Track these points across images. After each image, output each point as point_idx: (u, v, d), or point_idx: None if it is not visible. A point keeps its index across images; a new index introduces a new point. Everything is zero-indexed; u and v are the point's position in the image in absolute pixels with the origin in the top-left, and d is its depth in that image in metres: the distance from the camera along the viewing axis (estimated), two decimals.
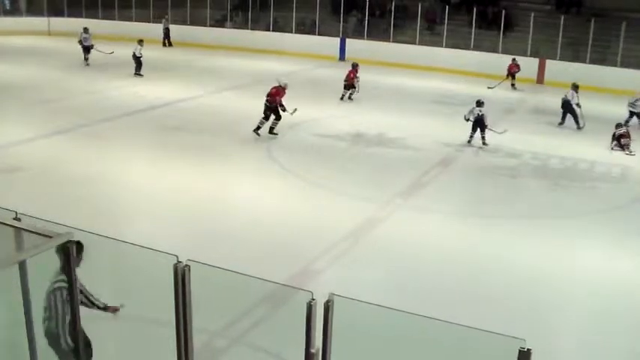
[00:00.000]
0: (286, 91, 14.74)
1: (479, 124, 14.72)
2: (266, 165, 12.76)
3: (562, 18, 24.57)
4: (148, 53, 22.97)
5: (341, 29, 28.98)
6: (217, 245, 8.64)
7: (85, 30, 23.66)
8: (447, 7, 26.98)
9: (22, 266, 3.92)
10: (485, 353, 3.92)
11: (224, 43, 30.16)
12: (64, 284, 4.36)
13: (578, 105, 16.94)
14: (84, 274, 3.98)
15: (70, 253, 3.72)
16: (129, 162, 12.54)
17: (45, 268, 4.03)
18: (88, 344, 4.58)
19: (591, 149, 15.07)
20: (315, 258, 8.58)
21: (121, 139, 14.23)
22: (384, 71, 25.43)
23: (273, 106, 14.49)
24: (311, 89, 21.70)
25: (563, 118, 17.26)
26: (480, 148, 14.68)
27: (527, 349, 3.32)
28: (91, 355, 4.54)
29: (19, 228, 3.77)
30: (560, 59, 24.38)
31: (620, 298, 8.05)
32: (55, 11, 32.99)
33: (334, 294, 3.72)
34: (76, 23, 31.96)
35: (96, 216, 9.17)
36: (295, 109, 14.73)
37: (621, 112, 17.49)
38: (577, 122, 17.00)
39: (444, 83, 23.31)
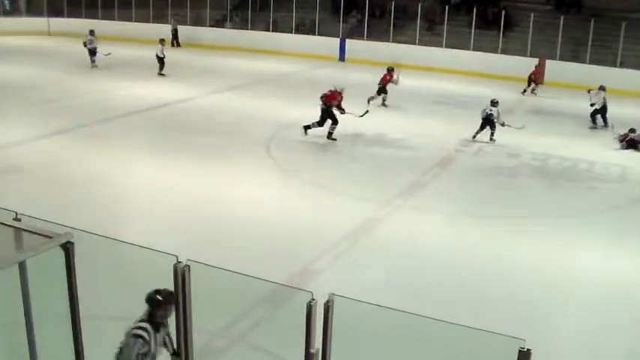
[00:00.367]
0: (343, 96, 14.74)
1: (487, 122, 15.06)
2: (266, 165, 12.76)
3: (562, 18, 24.55)
4: (149, 53, 23.00)
5: (341, 29, 28.97)
6: (217, 245, 8.64)
7: (91, 32, 23.39)
8: (447, 7, 26.96)
9: (22, 266, 3.92)
10: (485, 353, 3.93)
11: (224, 44, 30.16)
12: (143, 332, 4.37)
13: (591, 105, 17.04)
14: (84, 274, 3.97)
15: (70, 254, 3.72)
16: (129, 162, 12.54)
17: (45, 268, 4.03)
18: None
19: (591, 149, 15.06)
20: (315, 258, 8.58)
21: (121, 139, 14.23)
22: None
23: (329, 109, 14.41)
24: (311, 89, 21.65)
25: (595, 120, 17.19)
26: (480, 148, 14.68)
27: (527, 349, 3.32)
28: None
29: (19, 228, 3.77)
30: (559, 59, 24.38)
31: (620, 298, 8.04)
32: (55, 11, 32.98)
33: (334, 294, 3.72)
34: (76, 23, 32.07)
35: (96, 216, 9.17)
36: (366, 111, 14.81)
37: (621, 112, 17.49)
38: (605, 122, 17.01)
39: (443, 83, 23.29)
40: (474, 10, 26.44)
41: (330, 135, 14.59)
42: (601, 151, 14.90)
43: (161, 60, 22.25)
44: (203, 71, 24.02)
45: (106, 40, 26.30)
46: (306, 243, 9.08)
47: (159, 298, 4.37)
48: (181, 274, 3.87)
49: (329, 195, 11.28)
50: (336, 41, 28.75)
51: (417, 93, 21.62)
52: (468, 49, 26.03)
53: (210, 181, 11.70)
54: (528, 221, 10.53)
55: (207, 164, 12.65)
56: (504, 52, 25.42)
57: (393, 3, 27.90)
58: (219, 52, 29.21)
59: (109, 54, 23.22)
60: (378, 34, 28.28)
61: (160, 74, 22.25)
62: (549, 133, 16.41)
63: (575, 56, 24.14)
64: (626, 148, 15.09)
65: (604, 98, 16.85)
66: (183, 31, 30.82)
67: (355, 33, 28.95)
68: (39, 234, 3.64)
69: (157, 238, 7.99)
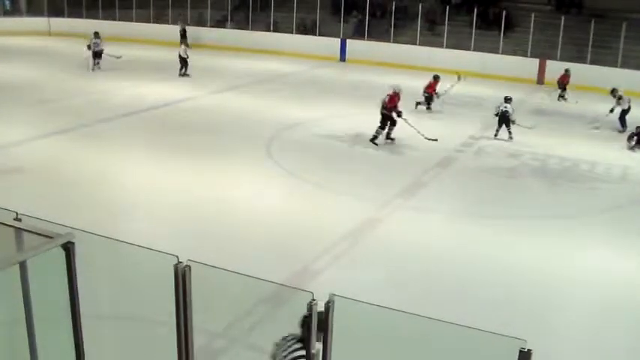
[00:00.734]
0: (400, 95, 14.76)
1: (503, 119, 15.30)
2: (266, 165, 12.76)
3: (562, 18, 24.55)
4: (150, 53, 23.00)
5: (341, 30, 28.97)
6: (217, 245, 8.64)
7: (96, 35, 22.79)
8: (448, 7, 26.96)
9: (23, 267, 3.92)
10: (486, 354, 3.92)
11: (224, 44, 30.16)
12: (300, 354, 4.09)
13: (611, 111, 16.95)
14: (84, 274, 3.97)
15: (71, 254, 3.72)
16: (129, 162, 12.55)
17: (45, 268, 4.03)
18: None
19: (592, 149, 15.07)
20: (315, 258, 8.58)
21: (121, 139, 14.24)
22: (385, 72, 25.41)
23: (389, 114, 14.44)
24: (311, 89, 21.72)
25: (624, 123, 17.02)
26: (481, 148, 14.70)
27: (528, 350, 3.32)
28: None
29: (20, 228, 3.76)
30: (560, 60, 24.37)
31: (621, 298, 8.04)
32: (56, 11, 32.98)
33: (335, 294, 3.72)
34: (77, 24, 32.08)
35: (96, 216, 9.17)
36: (436, 139, 14.57)
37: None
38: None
39: (444, 84, 23.24)
40: (475, 10, 26.44)
41: (388, 135, 14.66)
42: (602, 152, 14.90)
43: (184, 60, 22.23)
44: (203, 71, 23.99)
45: (106, 40, 26.22)
46: (306, 243, 9.09)
47: None
48: (182, 275, 3.87)
49: (329, 195, 11.29)
50: (337, 41, 28.75)
51: (417, 93, 21.58)
52: (469, 49, 26.02)
53: (210, 181, 11.71)
54: (528, 221, 10.54)
55: (208, 164, 12.66)
56: (505, 52, 25.42)
57: (394, 3, 27.90)
58: (220, 53, 29.21)
59: (120, 57, 22.86)
60: (378, 34, 28.29)
61: (184, 74, 22.25)
62: (550, 133, 16.41)
63: (576, 56, 24.13)
64: (637, 143, 15.15)
65: (629, 100, 16.77)
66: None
67: (356, 33, 28.95)
68: (39, 234, 3.63)
69: (157, 238, 8.01)
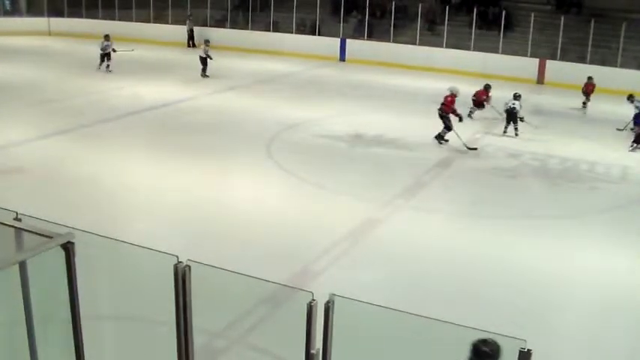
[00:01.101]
0: (456, 97, 14.75)
1: (511, 116, 15.52)
2: (266, 165, 12.76)
3: (562, 18, 24.56)
4: (150, 53, 22.99)
5: (341, 30, 28.97)
6: (217, 245, 8.64)
7: (106, 37, 22.40)
8: (448, 7, 26.97)
9: (23, 266, 3.91)
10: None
11: (224, 44, 30.14)
12: None
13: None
14: (84, 274, 3.97)
15: (71, 254, 3.72)
16: (129, 162, 12.54)
17: (45, 268, 4.03)
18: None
19: (592, 149, 15.06)
20: (315, 258, 8.58)
21: (121, 139, 14.23)
22: (385, 71, 25.44)
23: (447, 115, 14.45)
24: (311, 89, 21.72)
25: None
26: (481, 148, 14.70)
27: (528, 350, 3.32)
28: None
29: (20, 228, 3.76)
30: (560, 59, 24.39)
31: (621, 298, 8.04)
32: (56, 11, 32.97)
33: (335, 294, 3.71)
34: (77, 24, 32.10)
35: (96, 216, 9.17)
36: (475, 148, 14.41)
37: (621, 112, 17.50)
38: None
39: (444, 84, 23.23)
40: (475, 10, 26.45)
41: (440, 137, 14.61)
42: (602, 152, 14.90)
43: (205, 61, 22.14)
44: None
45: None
46: (306, 243, 9.09)
47: (486, 350, 3.94)
48: (182, 274, 3.86)
49: (329, 195, 11.28)
50: (337, 41, 28.75)
51: (417, 93, 21.62)
52: (469, 49, 26.03)
53: (210, 181, 11.71)
54: (529, 221, 10.54)
55: (208, 164, 12.66)
56: (505, 52, 25.42)
57: (394, 3, 27.90)
58: (220, 53, 29.16)
59: (132, 50, 22.93)
60: (378, 34, 28.30)
61: (204, 75, 22.20)
62: (550, 133, 16.41)
63: (576, 56, 24.13)
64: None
65: None
66: (184, 31, 30.82)
67: (356, 33, 28.95)
68: (39, 234, 3.63)
69: (157, 238, 8.01)
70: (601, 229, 10.33)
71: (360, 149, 14.41)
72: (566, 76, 23.11)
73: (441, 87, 22.32)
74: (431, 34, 27.60)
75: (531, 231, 10.11)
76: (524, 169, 13.47)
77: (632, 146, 15.18)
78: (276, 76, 22.87)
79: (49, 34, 32.56)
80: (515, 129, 15.70)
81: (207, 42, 22.73)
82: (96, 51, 22.59)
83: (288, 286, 6.69)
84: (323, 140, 14.77)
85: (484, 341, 3.93)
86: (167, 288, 4.19)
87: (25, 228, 3.72)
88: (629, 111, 17.17)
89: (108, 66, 22.19)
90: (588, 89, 20.10)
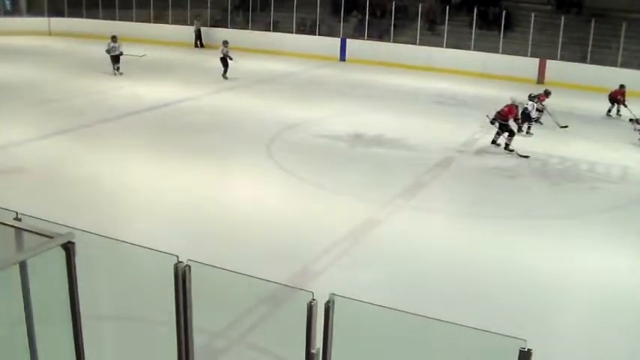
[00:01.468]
0: (519, 109, 14.71)
1: (523, 116, 15.65)
2: (266, 165, 12.76)
3: (562, 18, 24.55)
4: (151, 54, 22.98)
5: (341, 29, 28.98)
6: (217, 245, 8.64)
7: (114, 39, 21.72)
8: (448, 7, 26.97)
9: (23, 266, 3.92)
10: (486, 353, 3.92)
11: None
12: None
13: None
14: (84, 274, 3.97)
15: (71, 253, 3.72)
16: (129, 162, 12.55)
17: (45, 268, 4.03)
18: None
19: (592, 149, 15.06)
20: (315, 258, 8.58)
21: (121, 139, 14.24)
22: (385, 71, 25.44)
23: (505, 123, 14.36)
24: (311, 89, 21.73)
25: None
26: (482, 148, 14.72)
27: (528, 350, 3.32)
28: None
29: (20, 228, 3.76)
30: (560, 59, 24.39)
31: (621, 298, 8.04)
32: (56, 11, 32.98)
33: (335, 294, 3.71)
34: (77, 23, 32.11)
35: (96, 216, 9.18)
36: (526, 157, 14.06)
37: (622, 112, 17.50)
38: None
39: (444, 84, 23.31)
40: (475, 10, 26.45)
41: (507, 146, 14.41)
42: (602, 152, 14.90)
43: (225, 62, 21.95)
44: (203, 71, 24.02)
45: (106, 40, 26.20)
46: (306, 243, 9.09)
47: None
48: (182, 274, 3.87)
49: (330, 195, 11.29)
50: (337, 41, 28.76)
51: (417, 93, 21.63)
52: (469, 49, 26.03)
53: (210, 181, 11.71)
54: (529, 221, 10.54)
55: (208, 164, 12.66)
56: (505, 52, 25.42)
57: (394, 3, 27.91)
58: (220, 52, 29.23)
59: (143, 55, 22.60)
60: (378, 34, 28.31)
61: (225, 77, 22.05)
62: (550, 134, 16.41)
63: (576, 56, 24.14)
64: None
65: None
66: (184, 31, 30.84)
67: (356, 33, 28.96)
68: (39, 234, 3.63)
69: (157, 238, 8.01)
70: (601, 229, 10.33)
71: (360, 149, 14.41)
72: (566, 76, 23.12)
73: (441, 87, 22.49)
74: (431, 34, 27.60)
75: (531, 231, 10.11)
76: (524, 169, 13.47)
77: None
78: (276, 76, 22.88)
79: (50, 34, 32.57)
80: (528, 128, 15.90)
81: (225, 43, 22.30)
82: (97, 51, 22.57)
83: (289, 286, 6.69)
84: (323, 140, 14.77)
85: None
86: (167, 288, 4.19)
87: (26, 228, 3.73)
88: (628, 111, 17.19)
89: (118, 69, 21.71)
90: (616, 96, 18.70)
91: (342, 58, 28.54)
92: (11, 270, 3.75)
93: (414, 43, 27.23)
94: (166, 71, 23.34)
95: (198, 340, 4.21)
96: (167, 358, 4.51)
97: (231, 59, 21.98)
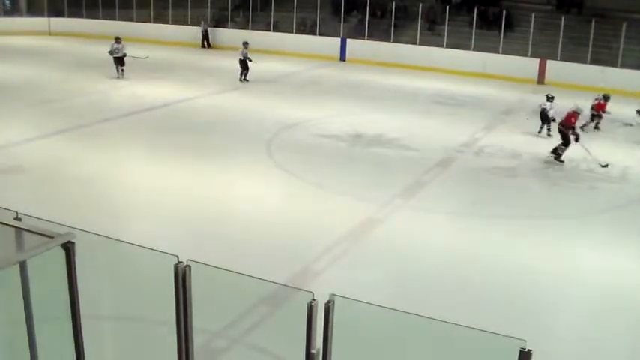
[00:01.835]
0: (579, 115, 14.12)
1: (541, 116, 15.82)
2: (266, 165, 12.76)
3: (562, 18, 24.58)
4: (151, 54, 22.96)
5: (342, 29, 28.99)
6: (217, 245, 8.64)
7: (117, 40, 21.09)
8: (448, 7, 26.99)
9: (23, 266, 3.92)
10: (486, 353, 3.92)
11: (224, 44, 30.20)
12: None
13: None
14: (84, 273, 3.97)
15: (71, 253, 3.72)
16: (129, 162, 12.55)
17: (45, 268, 4.03)
18: None
19: (591, 150, 15.01)
20: (315, 258, 8.58)
21: (121, 139, 14.24)
22: (385, 71, 25.44)
23: (567, 131, 13.87)
24: (311, 89, 21.72)
25: None
26: (481, 148, 14.73)
27: (528, 350, 3.32)
28: None
29: (20, 228, 3.76)
30: (560, 59, 24.41)
31: (620, 298, 8.04)
32: (56, 11, 32.99)
33: (335, 294, 3.71)
34: (77, 23, 32.12)
35: (96, 216, 9.17)
36: (607, 165, 13.54)
37: (622, 112, 17.48)
38: None
39: (444, 84, 23.31)
40: (475, 10, 26.46)
41: (558, 156, 13.84)
42: (601, 152, 14.87)
43: (245, 64, 21.60)
44: (203, 72, 24.03)
45: (105, 39, 26.20)
46: (306, 243, 9.09)
47: None
48: (182, 274, 3.87)
49: (329, 195, 11.28)
50: (337, 41, 28.77)
51: (418, 93, 21.64)
52: (469, 49, 26.04)
53: (210, 181, 11.71)
54: (529, 221, 10.54)
55: (208, 164, 12.65)
56: (505, 52, 25.44)
57: (394, 3, 27.93)
58: (220, 52, 29.25)
59: (146, 57, 22.14)
60: (378, 34, 28.31)
61: (244, 80, 21.76)
62: (541, 135, 16.37)
63: (576, 56, 24.15)
64: None
65: None
66: (185, 31, 30.85)
67: (356, 33, 28.96)
68: (40, 234, 3.63)
69: (157, 238, 8.01)
70: (601, 229, 10.33)
71: (360, 149, 14.41)
72: (566, 76, 23.13)
73: (441, 87, 22.50)
74: (431, 34, 27.62)
75: (531, 231, 10.11)
76: (524, 169, 13.47)
77: None
78: (277, 76, 22.89)
79: (50, 33, 32.58)
80: (548, 129, 15.77)
81: (245, 44, 21.85)
82: (98, 51, 22.54)
83: (289, 286, 6.70)
84: (323, 140, 14.77)
85: None
86: (167, 288, 4.19)
87: (26, 228, 3.73)
88: (628, 110, 17.19)
89: (122, 71, 21.18)
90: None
91: (343, 58, 28.55)
92: (11, 270, 3.75)
93: (414, 43, 27.25)
94: (166, 71, 23.32)
95: (198, 339, 4.21)
96: (167, 358, 4.51)
97: (250, 61, 21.62)
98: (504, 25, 25.80)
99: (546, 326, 7.17)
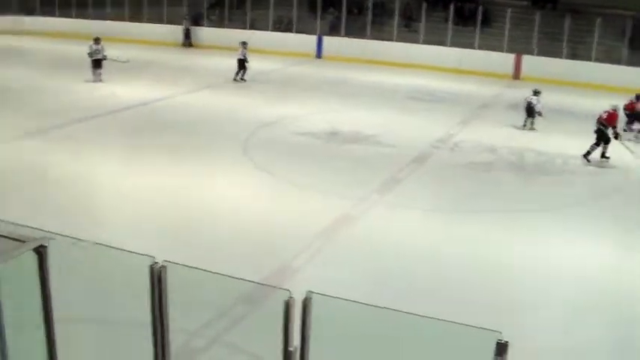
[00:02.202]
0: (618, 114, 14.09)
1: (528, 110, 16.16)
2: (243, 164, 12.70)
3: (538, 14, 24.81)
4: (126, 53, 22.72)
5: (318, 27, 28.94)
6: (195, 245, 8.59)
7: (96, 41, 20.07)
8: (424, 3, 27.09)
9: None
10: (464, 346, 3.94)
11: (200, 42, 30.01)
12: None
13: None
14: (58, 276, 3.91)
15: (44, 258, 3.67)
16: (105, 163, 12.40)
17: (17, 271, 3.97)
18: None
19: (567, 143, 15.18)
20: (292, 256, 8.56)
21: (96, 140, 14.06)
22: (362, 68, 25.46)
23: (605, 130, 13.72)
24: (288, 87, 21.68)
25: None
26: (457, 144, 14.81)
27: (505, 341, 3.34)
28: None
29: None
30: (536, 54, 24.65)
31: (598, 291, 8.14)
32: (27, 10, 32.49)
33: (312, 292, 3.71)
34: (49, 22, 31.65)
35: (70, 218, 9.07)
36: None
37: (597, 106, 17.67)
38: None
39: (422, 80, 23.40)
40: (451, 6, 26.60)
41: (603, 154, 13.82)
42: (577, 145, 15.02)
43: (243, 64, 21.34)
44: (179, 70, 23.86)
45: (79, 39, 25.84)
46: (283, 241, 9.06)
47: None
48: (157, 275, 3.84)
49: (306, 193, 11.26)
50: (314, 38, 28.72)
51: (395, 89, 21.69)
52: (446, 45, 26.18)
53: (187, 181, 11.61)
54: (505, 215, 10.61)
55: (184, 163, 12.55)
56: (481, 47, 25.63)
57: (371, 0, 27.96)
58: (196, 51, 29.06)
59: (127, 61, 21.12)
60: (355, 30, 28.32)
61: (241, 79, 21.50)
62: (525, 128, 16.53)
63: (551, 51, 24.40)
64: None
65: None
66: (161, 29, 30.56)
67: (333, 30, 28.95)
68: (12, 238, 3.58)
69: (133, 239, 7.92)
70: (578, 220, 10.45)
71: (337, 146, 14.41)
72: (541, 71, 23.34)
73: (419, 83, 22.58)
74: (408, 31, 27.71)
75: (508, 225, 10.18)
76: (500, 164, 13.56)
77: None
78: (253, 73, 22.74)
79: (21, 33, 32.06)
80: (532, 123, 16.18)
81: (244, 44, 21.53)
82: (71, 50, 22.22)
83: (266, 285, 6.68)
84: (300, 138, 14.75)
85: None
86: (144, 289, 4.15)
87: None
88: (602, 103, 17.36)
89: (100, 74, 20.27)
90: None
91: (319, 55, 28.50)
92: None
93: (391, 40, 27.30)
94: (142, 70, 23.09)
95: (176, 339, 4.18)
96: (143, 359, 4.47)
97: (247, 62, 21.41)
98: (480, 20, 25.98)
99: (524, 319, 7.23)
